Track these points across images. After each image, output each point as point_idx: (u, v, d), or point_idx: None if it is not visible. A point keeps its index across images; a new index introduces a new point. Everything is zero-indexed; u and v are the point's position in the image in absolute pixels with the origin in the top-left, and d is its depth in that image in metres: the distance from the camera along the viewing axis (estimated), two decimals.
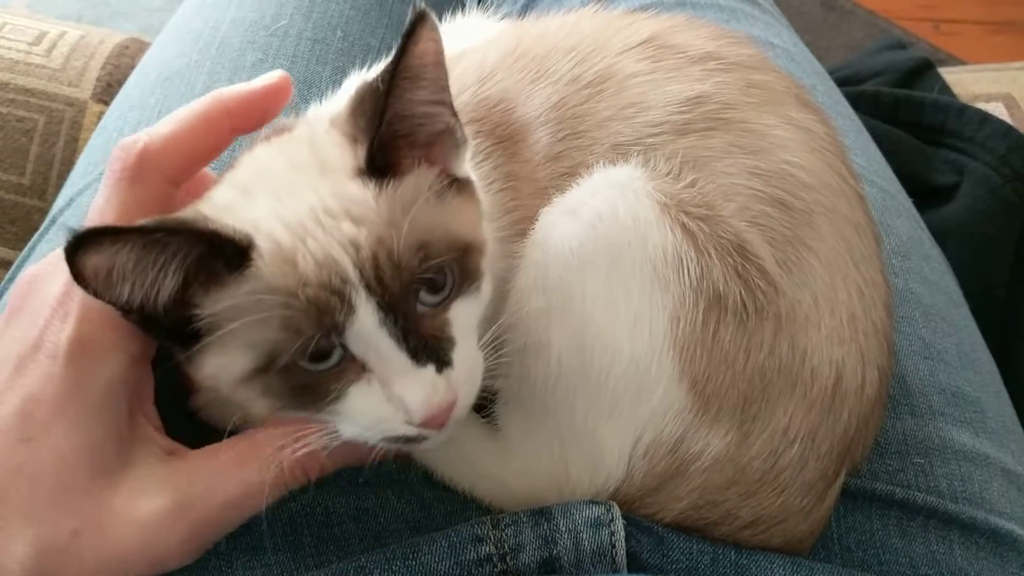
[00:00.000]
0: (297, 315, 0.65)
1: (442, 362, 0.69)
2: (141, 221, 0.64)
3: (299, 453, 0.70)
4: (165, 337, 0.69)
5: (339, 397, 0.69)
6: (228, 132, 0.75)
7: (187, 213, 0.68)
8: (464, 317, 0.72)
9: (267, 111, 0.76)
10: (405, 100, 0.70)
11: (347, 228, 0.66)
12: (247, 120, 0.76)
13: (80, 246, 0.60)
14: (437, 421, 0.69)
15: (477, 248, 0.74)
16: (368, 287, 0.66)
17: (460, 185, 0.74)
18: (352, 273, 0.65)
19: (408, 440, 0.71)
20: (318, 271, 0.65)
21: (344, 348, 0.67)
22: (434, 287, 0.70)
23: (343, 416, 0.69)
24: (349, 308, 0.65)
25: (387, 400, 0.68)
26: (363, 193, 0.69)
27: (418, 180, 0.71)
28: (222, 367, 0.68)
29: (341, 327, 0.66)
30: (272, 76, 0.77)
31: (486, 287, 0.75)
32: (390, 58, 0.68)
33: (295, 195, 0.68)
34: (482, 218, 0.77)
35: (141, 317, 0.67)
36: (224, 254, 0.65)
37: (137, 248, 0.62)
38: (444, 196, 0.72)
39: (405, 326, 0.67)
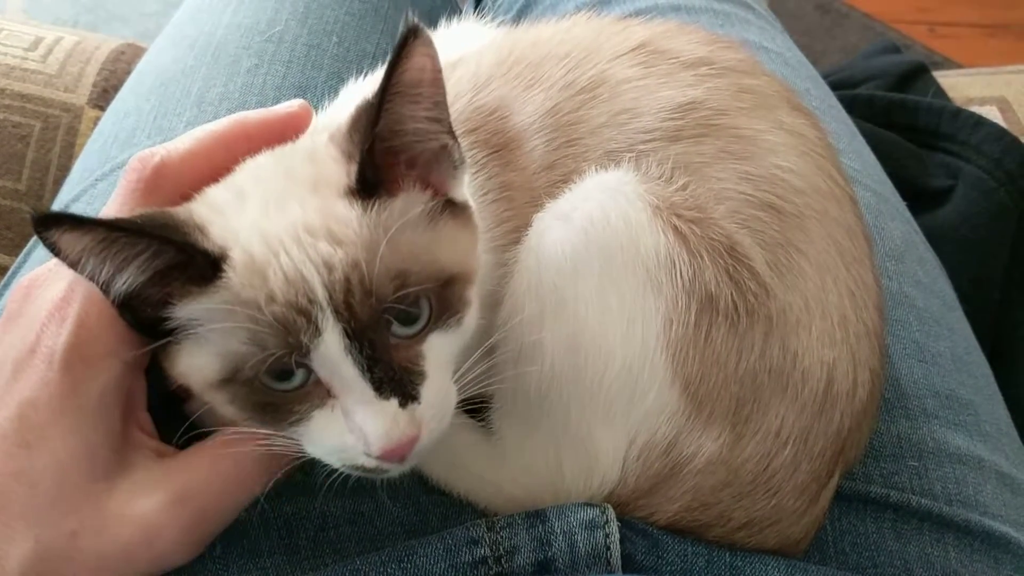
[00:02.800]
0: (263, 331, 0.65)
1: (408, 396, 0.68)
2: (110, 217, 0.65)
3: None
4: (138, 326, 0.69)
5: (302, 419, 0.68)
6: (244, 153, 0.75)
7: (178, 212, 0.69)
8: (439, 350, 0.72)
9: (285, 137, 0.77)
10: (397, 115, 0.69)
11: (323, 248, 0.66)
12: (265, 144, 0.76)
13: (44, 226, 0.61)
14: (396, 455, 0.68)
15: (463, 278, 0.73)
16: (336, 311, 0.65)
17: (456, 210, 0.74)
18: (321, 294, 0.65)
19: (368, 471, 0.70)
20: (285, 288, 0.65)
21: (310, 370, 0.67)
22: (407, 319, 0.69)
23: (305, 438, 0.69)
24: (315, 330, 0.65)
25: (348, 430, 0.68)
26: (348, 213, 0.68)
27: (406, 203, 0.71)
28: (193, 368, 0.69)
29: (305, 349, 0.65)
30: (293, 104, 0.78)
31: (470, 319, 0.74)
32: (387, 68, 0.68)
33: (283, 208, 0.68)
34: (476, 245, 0.76)
35: (116, 301, 0.67)
36: (197, 264, 0.65)
37: (98, 240, 0.63)
38: (436, 221, 0.72)
39: (372, 355, 0.67)
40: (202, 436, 0.74)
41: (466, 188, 0.76)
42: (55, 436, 0.67)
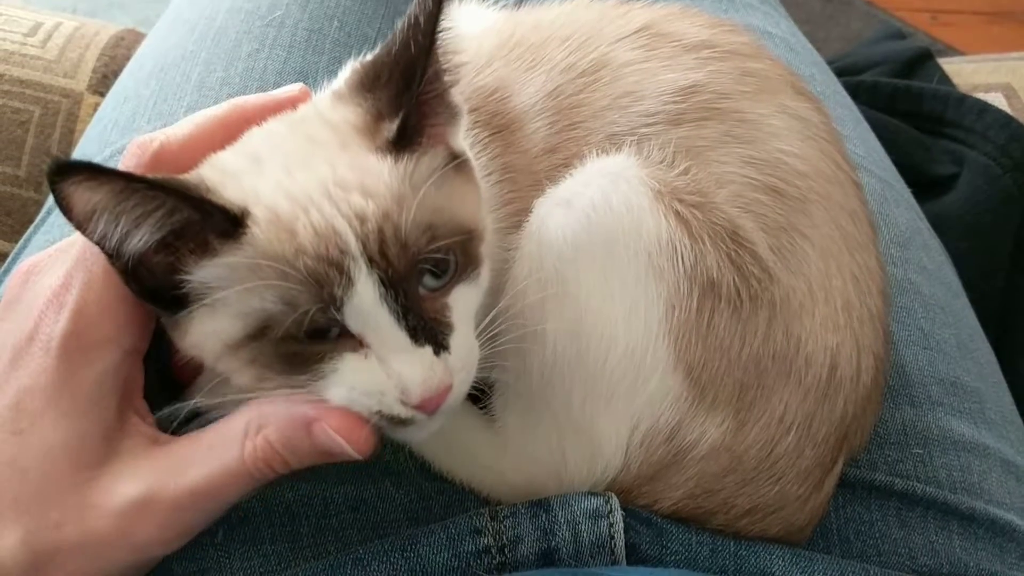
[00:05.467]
0: (294, 287, 0.63)
1: (440, 346, 0.68)
2: (129, 170, 0.64)
3: (259, 437, 0.68)
4: (148, 296, 0.68)
5: (334, 369, 0.67)
6: None
7: (189, 178, 0.68)
8: (463, 303, 0.71)
9: None
10: (435, 65, 0.69)
11: (355, 200, 0.66)
12: None
13: (61, 174, 0.60)
14: (431, 404, 0.67)
15: (479, 234, 0.73)
16: (371, 260, 0.65)
17: (459, 165, 0.73)
18: (354, 245, 0.64)
19: (399, 422, 0.69)
20: (316, 241, 0.64)
21: (341, 324, 0.66)
22: (438, 270, 0.69)
23: (336, 385, 0.67)
24: (348, 281, 0.64)
25: (385, 375, 0.67)
26: (379, 166, 0.68)
27: (431, 159, 0.70)
28: (210, 334, 0.67)
29: (339, 301, 0.64)
30: (292, 88, 0.77)
31: (485, 274, 0.74)
32: (420, 17, 0.67)
33: (308, 168, 0.68)
34: (481, 203, 0.76)
35: (124, 268, 0.66)
36: (215, 223, 0.64)
37: (115, 192, 0.61)
38: (447, 177, 0.71)
39: (406, 304, 0.66)
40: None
41: (461, 138, 0.75)
42: (47, 423, 0.67)
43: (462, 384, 0.70)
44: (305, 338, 0.66)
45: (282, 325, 0.64)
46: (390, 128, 0.69)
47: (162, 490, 0.68)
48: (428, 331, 0.67)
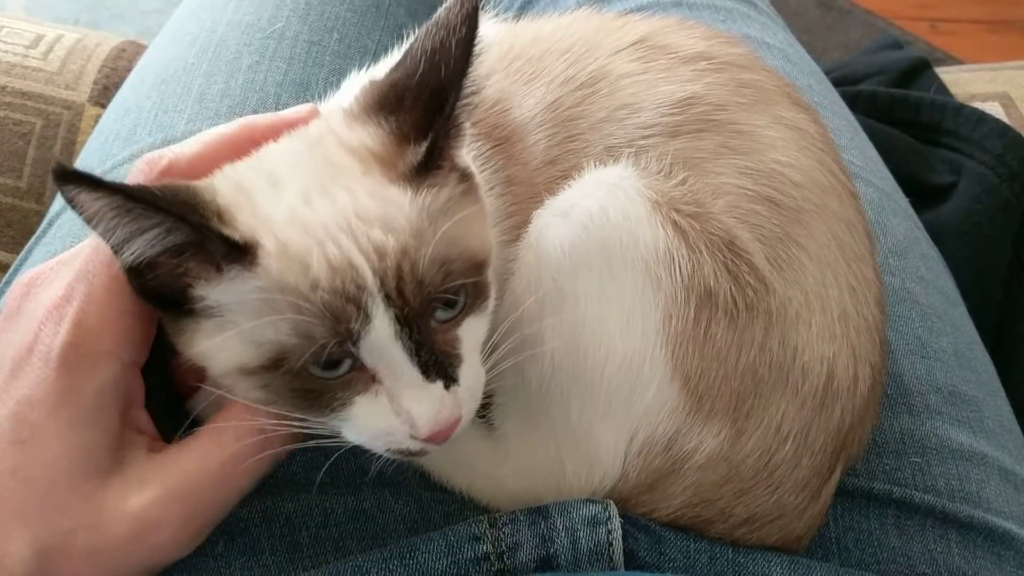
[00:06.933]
0: (310, 320, 0.64)
1: (450, 379, 0.69)
2: (128, 184, 0.64)
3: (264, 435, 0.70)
4: (148, 295, 0.68)
5: (344, 405, 0.68)
6: None
7: (201, 188, 0.67)
8: (472, 334, 0.72)
9: None
10: (467, 85, 0.69)
11: (375, 235, 0.65)
12: None
13: (62, 180, 0.60)
14: (441, 436, 0.69)
15: (488, 262, 0.73)
16: (388, 297, 0.65)
17: (467, 185, 0.73)
18: (371, 281, 0.64)
19: (411, 454, 0.71)
20: (331, 276, 0.64)
21: (354, 357, 0.67)
22: (450, 305, 0.70)
23: (347, 424, 0.69)
24: (365, 317, 0.64)
25: (394, 413, 0.68)
26: (400, 198, 0.68)
27: (449, 188, 0.70)
28: (219, 351, 0.67)
29: (356, 336, 0.65)
30: (302, 108, 0.77)
31: (491, 297, 0.75)
32: (450, 41, 0.68)
33: (328, 196, 0.67)
34: (488, 224, 0.76)
35: (128, 265, 0.66)
36: (218, 246, 0.64)
37: (113, 206, 0.61)
38: (459, 201, 0.71)
39: (419, 340, 0.67)
40: None
41: (464, 153, 0.75)
42: (51, 434, 0.67)
43: (470, 413, 0.71)
44: (320, 372, 0.66)
45: (298, 358, 0.65)
46: (416, 151, 0.69)
47: (182, 489, 0.70)
48: (439, 366, 0.68)
